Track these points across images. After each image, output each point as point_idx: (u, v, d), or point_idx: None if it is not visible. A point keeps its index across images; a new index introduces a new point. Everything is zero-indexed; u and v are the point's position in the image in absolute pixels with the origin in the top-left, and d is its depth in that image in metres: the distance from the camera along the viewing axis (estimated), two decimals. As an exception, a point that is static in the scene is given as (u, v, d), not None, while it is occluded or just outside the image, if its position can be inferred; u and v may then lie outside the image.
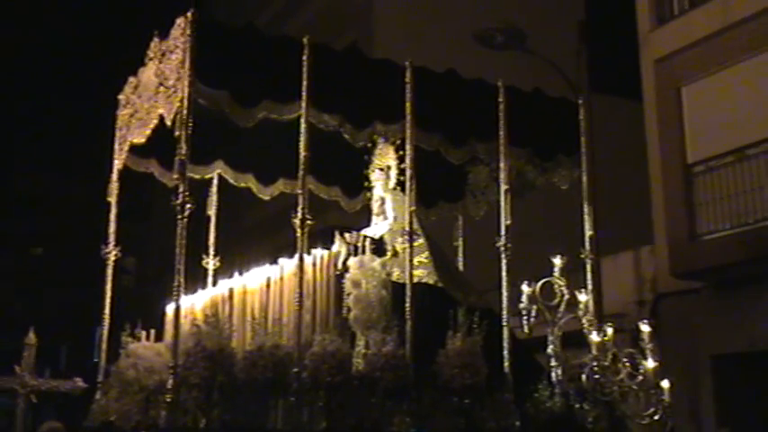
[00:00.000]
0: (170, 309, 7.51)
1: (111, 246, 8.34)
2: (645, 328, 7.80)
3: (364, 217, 8.98)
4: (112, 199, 8.37)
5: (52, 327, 41.87)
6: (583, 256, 8.38)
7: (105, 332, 8.19)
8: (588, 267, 8.34)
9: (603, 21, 17.59)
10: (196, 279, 8.60)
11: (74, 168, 42.33)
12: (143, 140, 7.59)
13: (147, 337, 7.79)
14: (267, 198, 9.52)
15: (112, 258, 8.34)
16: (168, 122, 6.84)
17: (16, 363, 9.87)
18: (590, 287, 8.20)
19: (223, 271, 8.77)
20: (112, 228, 8.40)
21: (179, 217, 6.76)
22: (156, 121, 7.25)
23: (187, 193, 6.78)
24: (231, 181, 9.19)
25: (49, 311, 42.84)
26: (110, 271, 8.34)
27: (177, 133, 6.75)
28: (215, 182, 9.14)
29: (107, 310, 8.21)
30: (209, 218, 9.06)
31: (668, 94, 14.10)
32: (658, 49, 14.37)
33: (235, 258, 9.03)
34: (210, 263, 8.98)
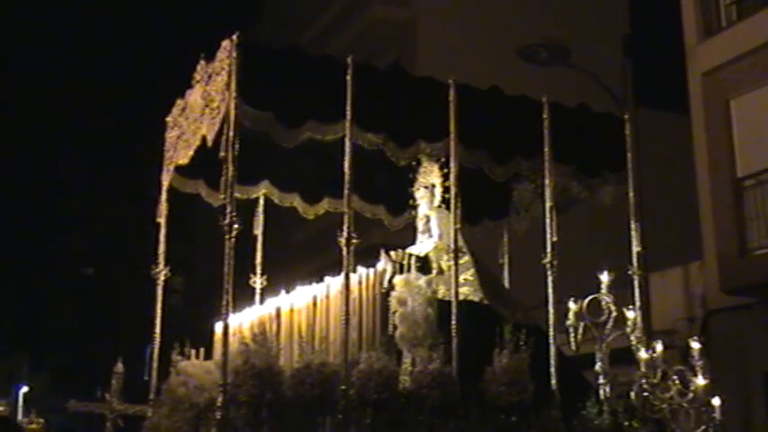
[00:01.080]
0: (218, 327, 7.61)
1: (160, 266, 8.47)
2: (695, 344, 7.71)
3: (409, 235, 9.00)
4: (161, 219, 8.50)
5: (104, 345, 42.57)
6: (630, 272, 8.32)
7: (156, 350, 8.31)
8: (636, 284, 8.27)
9: (648, 34, 17.46)
10: (243, 298, 8.69)
11: (122, 190, 43.06)
12: (186, 161, 7.70)
13: (197, 356, 7.89)
14: (312, 217, 9.58)
15: (162, 278, 8.47)
16: (209, 143, 6.94)
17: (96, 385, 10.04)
18: (638, 304, 8.13)
19: (270, 290, 8.85)
20: (162, 248, 8.53)
21: (226, 237, 6.86)
22: (198, 142, 7.36)
23: (234, 214, 6.88)
24: (276, 201, 9.27)
25: (100, 330, 43.55)
26: (159, 290, 8.47)
27: (223, 154, 6.85)
28: (261, 202, 9.24)
29: (157, 329, 8.34)
30: (255, 237, 9.15)
31: (716, 107, 13.94)
32: (706, 61, 14.21)
33: (281, 277, 9.10)
34: (258, 282, 9.07)
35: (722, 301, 13.59)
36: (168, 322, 8.42)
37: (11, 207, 46.41)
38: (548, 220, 7.84)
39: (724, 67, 13.86)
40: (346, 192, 7.13)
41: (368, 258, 7.76)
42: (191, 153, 7.58)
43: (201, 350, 7.94)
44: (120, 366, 8.68)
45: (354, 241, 7.08)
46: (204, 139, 7.20)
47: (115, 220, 44.70)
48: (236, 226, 6.88)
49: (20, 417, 38.24)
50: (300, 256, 21.15)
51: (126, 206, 41.75)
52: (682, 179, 15.33)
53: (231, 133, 6.80)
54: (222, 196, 6.91)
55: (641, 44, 15.63)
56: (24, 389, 40.91)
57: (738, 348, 13.11)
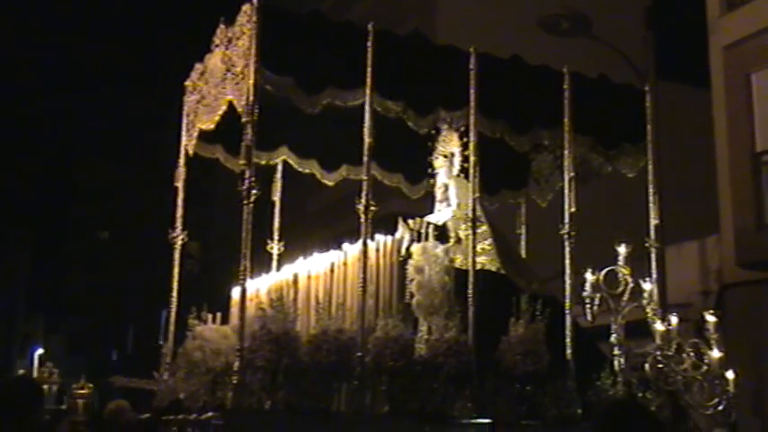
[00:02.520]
0: (236, 293, 7.64)
1: (177, 230, 8.50)
2: (710, 318, 7.70)
3: (427, 204, 8.99)
4: (179, 184, 8.51)
5: (119, 309, 42.93)
6: (647, 244, 8.30)
7: (173, 315, 8.37)
8: (653, 256, 8.25)
9: (671, 6, 17.24)
10: (261, 264, 8.72)
11: (139, 155, 43.13)
12: (212, 126, 7.70)
13: (214, 320, 7.92)
14: (331, 184, 9.58)
15: (179, 243, 8.50)
16: (239, 108, 6.93)
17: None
18: (654, 276, 8.12)
19: (287, 256, 8.87)
20: (179, 212, 8.55)
21: (245, 202, 6.87)
22: (224, 107, 7.35)
23: (253, 179, 6.89)
24: (295, 166, 9.26)
25: (116, 294, 43.84)
26: (177, 255, 8.50)
27: (244, 119, 6.84)
28: (279, 168, 9.23)
29: (174, 294, 8.39)
30: (273, 203, 9.15)
31: (737, 80, 13.82)
32: (727, 35, 14.08)
33: (299, 244, 9.12)
34: (275, 248, 9.09)
35: (738, 275, 13.56)
36: (184, 288, 8.45)
37: (27, 171, 46.64)
38: (566, 191, 7.82)
39: (745, 40, 13.73)
40: (365, 159, 7.13)
41: (386, 227, 7.77)
42: (216, 118, 7.56)
43: (218, 315, 7.97)
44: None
45: (373, 208, 7.08)
46: (230, 104, 7.19)
47: (132, 184, 44.82)
48: (254, 191, 6.89)
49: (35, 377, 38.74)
50: (318, 223, 21.17)
51: (142, 171, 41.83)
52: (701, 153, 15.22)
53: (252, 98, 6.79)
54: (241, 161, 6.91)
55: (663, 16, 15.45)
56: (40, 351, 41.33)
57: (753, 322, 13.09)
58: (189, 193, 8.56)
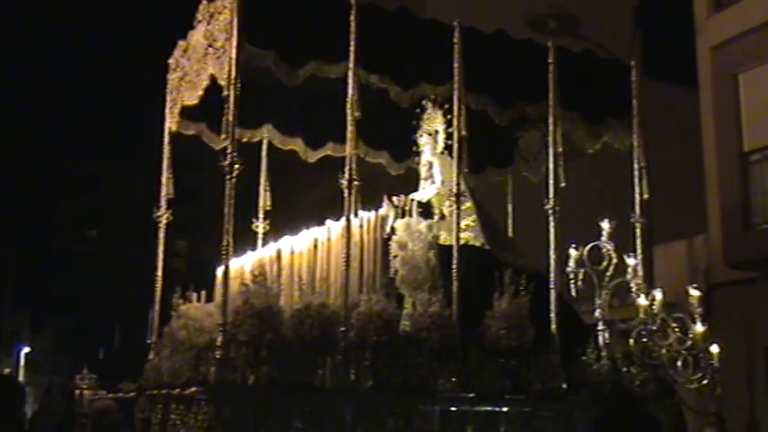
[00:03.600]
0: (220, 270, 7.61)
1: (162, 209, 8.48)
2: (694, 292, 7.72)
3: (411, 183, 8.97)
4: (164, 162, 8.48)
5: (106, 308, 42.75)
6: (633, 219, 8.30)
7: (158, 293, 8.33)
8: (638, 231, 8.25)
9: (658, 6, 17.26)
10: (246, 243, 8.69)
11: (127, 151, 42.89)
12: (195, 102, 7.66)
13: (198, 299, 7.89)
14: (312, 161, 9.52)
15: (164, 221, 8.47)
16: (221, 82, 6.90)
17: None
18: (639, 251, 8.12)
19: (273, 235, 8.84)
20: (164, 191, 8.52)
21: (227, 177, 6.84)
22: (206, 83, 7.31)
23: (235, 154, 6.86)
24: (278, 144, 9.21)
25: (103, 293, 43.68)
26: (162, 234, 8.48)
27: (225, 93, 6.81)
28: (264, 145, 9.19)
29: (159, 272, 8.36)
30: (258, 182, 9.12)
31: (725, 81, 13.81)
32: (715, 35, 14.06)
33: (284, 222, 9.09)
34: (260, 226, 9.05)
35: (726, 275, 13.54)
36: (171, 283, 8.36)
37: (13, 168, 46.39)
38: (551, 167, 7.81)
39: (733, 41, 13.72)
40: (350, 133, 7.10)
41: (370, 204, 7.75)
42: (198, 93, 7.52)
43: (203, 293, 7.93)
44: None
45: (356, 183, 7.06)
46: (213, 79, 7.15)
47: (119, 181, 44.65)
48: (237, 167, 6.86)
49: (21, 377, 38.51)
50: (304, 201, 21.08)
51: (129, 167, 41.64)
52: (688, 153, 15.23)
53: (233, 71, 6.76)
54: (223, 136, 6.87)
55: (651, 16, 15.45)
56: (26, 349, 41.13)
57: (741, 323, 13.08)
58: (178, 193, 8.52)
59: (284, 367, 6.60)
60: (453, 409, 6.88)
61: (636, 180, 8.32)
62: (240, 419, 6.32)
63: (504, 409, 7.03)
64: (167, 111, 8.37)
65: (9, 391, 4.69)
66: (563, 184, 7.77)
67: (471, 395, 6.94)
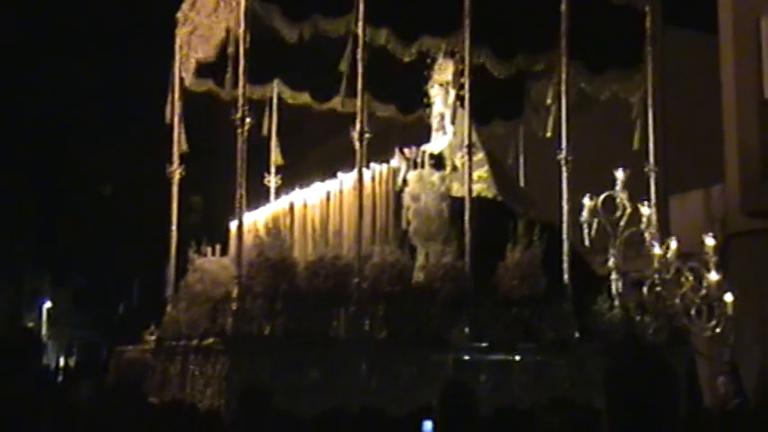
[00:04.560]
0: (233, 224, 7.67)
1: (175, 164, 8.52)
2: (709, 241, 7.71)
3: (423, 135, 8.95)
4: (175, 118, 8.50)
5: (124, 264, 43.08)
6: (647, 169, 8.26)
7: (173, 248, 8.41)
8: (652, 181, 8.22)
9: (676, -52, 16.90)
10: (259, 198, 8.74)
11: (141, 108, 42.80)
12: (210, 55, 7.64)
13: (213, 253, 7.96)
14: (323, 116, 9.51)
15: (177, 177, 8.52)
16: (238, 37, 6.88)
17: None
18: (653, 200, 8.10)
19: (285, 189, 8.88)
20: (176, 147, 8.55)
21: (239, 131, 6.88)
22: (222, 35, 7.28)
23: (246, 108, 6.88)
24: (288, 100, 9.19)
25: (120, 249, 43.98)
26: (175, 189, 8.53)
27: (231, 49, 6.83)
28: (274, 100, 9.18)
29: (173, 227, 8.43)
30: (269, 136, 9.14)
31: (746, 25, 13.52)
32: (736, -23, 13.79)
33: (296, 177, 9.11)
34: (272, 181, 9.08)
35: (743, 224, 13.43)
36: (187, 238, 8.41)
37: (28, 127, 46.53)
38: (563, 116, 7.77)
39: (755, -19, 13.45)
40: (360, 86, 7.07)
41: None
42: (212, 48, 7.51)
43: (217, 247, 8.00)
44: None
45: (367, 136, 7.06)
46: (227, 33, 7.12)
47: (134, 139, 44.69)
48: (248, 120, 6.89)
49: (44, 331, 39.06)
50: (316, 156, 21.07)
51: (145, 125, 41.63)
52: (706, 100, 15.02)
53: (243, 26, 6.74)
54: (234, 91, 6.89)
55: (670, -42, 15.14)
56: (48, 304, 41.67)
57: (757, 272, 13.01)
58: (192, 149, 8.54)
59: (299, 318, 6.67)
60: (466, 358, 6.94)
61: (650, 129, 8.25)
62: (257, 369, 6.40)
63: (517, 357, 7.08)
64: (178, 66, 8.37)
65: (29, 344, 4.76)
66: (569, 136, 7.70)
67: (484, 344, 6.99)
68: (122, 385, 6.18)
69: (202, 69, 8.19)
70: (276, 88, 9.08)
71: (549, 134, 8.60)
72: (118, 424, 4.05)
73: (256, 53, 6.89)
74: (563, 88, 7.77)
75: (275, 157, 9.17)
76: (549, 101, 8.62)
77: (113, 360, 8.74)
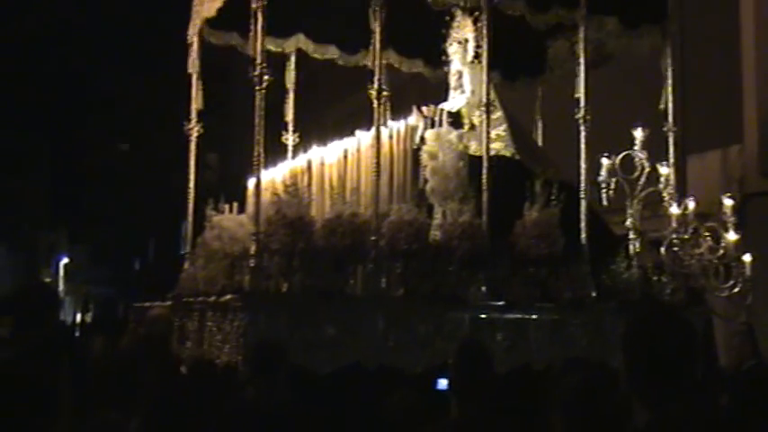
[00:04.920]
0: (251, 182, 7.68)
1: (193, 122, 8.52)
2: (727, 201, 7.67)
3: (441, 93, 8.89)
4: (193, 72, 8.48)
5: (140, 220, 43.29)
6: (665, 128, 8.20)
7: (190, 206, 8.44)
8: (671, 140, 8.16)
9: None
10: (276, 156, 8.73)
11: (157, 64, 42.67)
12: (219, 5, 7.60)
13: (230, 211, 7.99)
14: (343, 72, 9.45)
15: (195, 134, 8.52)
16: None
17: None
18: (671, 160, 8.05)
19: (302, 147, 8.86)
20: (194, 104, 8.54)
21: (257, 88, 6.86)
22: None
23: (264, 65, 6.85)
24: (312, 53, 9.11)
25: (136, 205, 44.19)
26: (192, 146, 8.54)
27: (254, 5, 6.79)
28: (293, 57, 9.13)
29: (191, 185, 8.45)
30: (287, 92, 9.10)
31: None
32: None
33: (313, 135, 9.09)
34: (290, 138, 9.07)
35: (761, 184, 13.30)
36: (203, 195, 8.42)
37: (44, 84, 46.52)
38: (582, 74, 7.70)
39: None
40: (377, 44, 7.03)
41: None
42: (217, 4, 7.46)
43: (234, 205, 8.02)
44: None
45: (385, 94, 7.03)
46: None
47: (150, 95, 44.63)
48: (266, 77, 6.87)
49: (60, 287, 39.41)
50: (333, 114, 21.00)
51: (161, 81, 41.52)
52: (726, 61, 14.82)
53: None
54: (257, 43, 6.86)
55: None
56: (65, 260, 42.00)
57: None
58: (208, 105, 8.51)
59: (316, 275, 6.69)
60: (483, 316, 6.96)
61: (669, 88, 8.18)
62: (274, 326, 6.44)
63: (534, 316, 7.10)
64: (195, 20, 8.33)
65: (46, 298, 4.79)
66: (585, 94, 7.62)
67: (501, 303, 7.01)
68: (149, 341, 6.21)
69: (220, 22, 8.15)
70: (298, 44, 8.99)
71: (569, 92, 8.52)
72: (142, 380, 4.09)
73: (278, 5, 6.83)
74: (581, 46, 7.69)
75: (292, 114, 9.12)
76: (568, 59, 8.52)
77: (136, 316, 8.80)
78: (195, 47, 8.45)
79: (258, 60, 6.85)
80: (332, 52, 9.20)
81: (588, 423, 3.33)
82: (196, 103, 8.52)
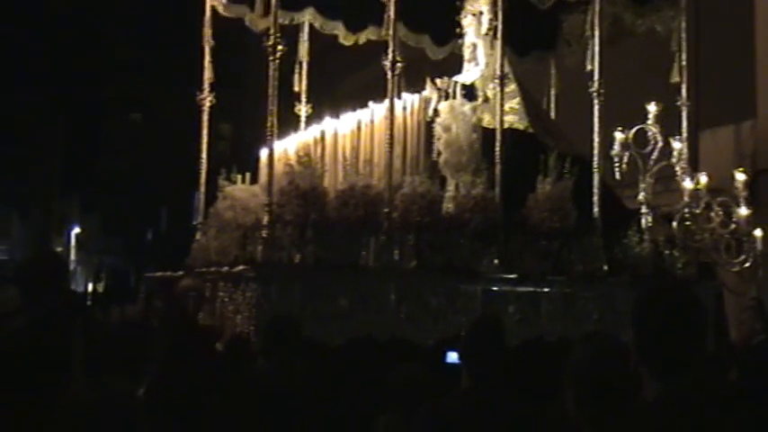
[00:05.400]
0: (264, 153, 7.70)
1: (205, 92, 8.53)
2: (739, 176, 7.66)
3: (455, 65, 8.87)
4: (206, 44, 8.48)
5: (153, 190, 43.44)
6: (679, 103, 8.17)
7: (203, 175, 8.47)
8: (684, 115, 8.14)
9: None
10: (289, 127, 8.74)
11: (170, 34, 42.62)
12: None
13: (243, 181, 8.01)
14: (354, 45, 9.42)
15: (208, 104, 8.54)
16: None
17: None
18: (685, 135, 8.03)
19: (315, 118, 8.87)
20: (207, 74, 8.55)
21: (270, 58, 6.87)
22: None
23: (278, 35, 6.85)
24: (320, 29, 9.11)
25: (149, 175, 44.32)
26: (205, 117, 8.56)
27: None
28: (305, 28, 9.11)
29: (204, 155, 8.47)
30: (300, 64, 9.09)
31: None
32: None
33: (326, 106, 9.08)
34: (303, 109, 9.07)
35: (773, 160, 13.25)
36: (216, 166, 8.43)
37: (58, 52, 46.50)
38: (596, 48, 7.67)
39: None
40: (392, 13, 7.01)
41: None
42: None
43: (247, 175, 8.04)
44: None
45: (399, 65, 7.02)
46: None
47: (163, 65, 44.60)
48: (279, 48, 6.87)
49: (72, 257, 39.61)
50: (347, 85, 20.96)
51: (174, 51, 41.46)
52: (740, 36, 14.70)
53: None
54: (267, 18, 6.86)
55: None
56: (77, 230, 42.19)
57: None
58: (221, 78, 8.50)
59: (329, 247, 6.72)
60: (495, 289, 6.99)
61: (683, 63, 8.14)
62: (286, 297, 6.49)
63: (546, 289, 7.12)
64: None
65: (55, 268, 4.81)
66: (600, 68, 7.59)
67: (513, 276, 7.04)
68: (179, 313, 6.20)
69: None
70: (308, 17, 8.97)
71: (583, 67, 8.49)
72: (152, 349, 4.10)
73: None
74: (596, 20, 7.66)
75: (304, 85, 9.11)
76: (582, 33, 8.48)
77: (147, 286, 8.83)
78: (207, 18, 8.43)
79: (272, 30, 6.85)
80: (339, 29, 9.16)
81: (599, 395, 3.36)
82: (208, 74, 8.51)
